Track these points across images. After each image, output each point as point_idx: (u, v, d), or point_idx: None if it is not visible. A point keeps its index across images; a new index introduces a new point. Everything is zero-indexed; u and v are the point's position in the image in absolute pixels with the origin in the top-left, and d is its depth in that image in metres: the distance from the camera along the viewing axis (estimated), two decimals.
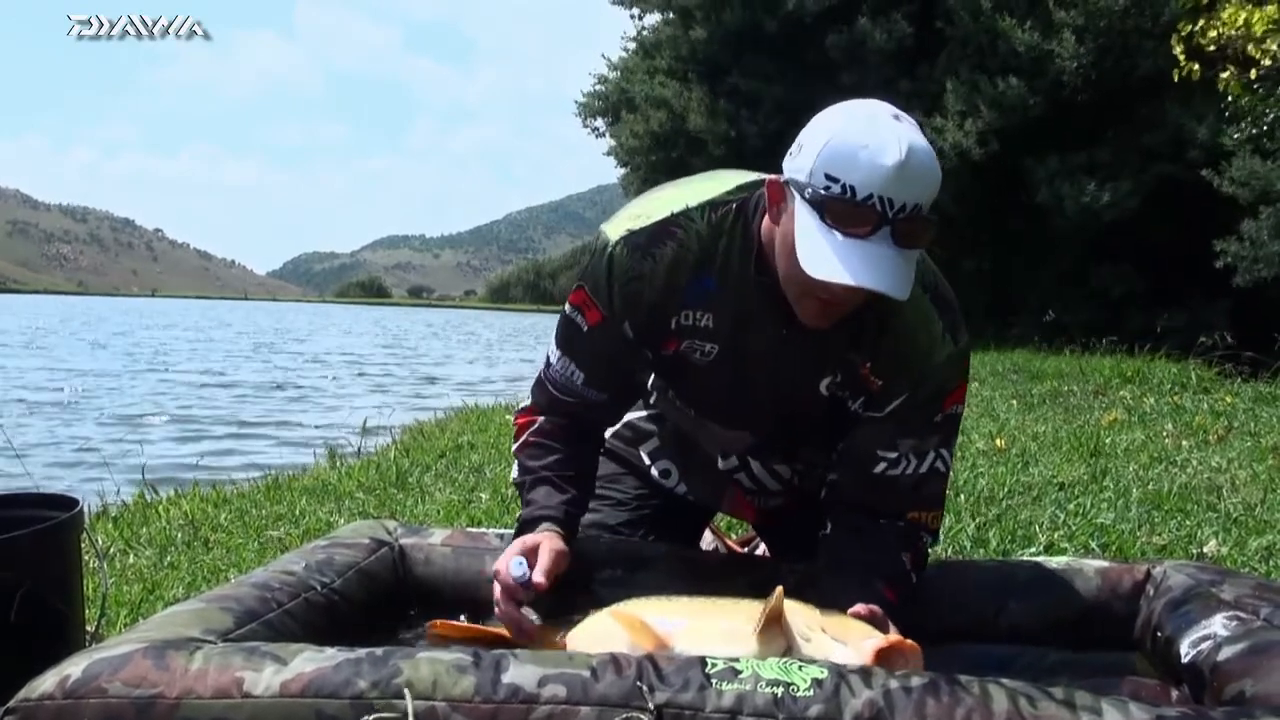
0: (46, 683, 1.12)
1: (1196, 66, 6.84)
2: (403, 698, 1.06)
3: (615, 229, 1.46)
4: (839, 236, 1.23)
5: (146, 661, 1.12)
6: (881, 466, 1.46)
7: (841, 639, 1.22)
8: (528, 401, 1.58)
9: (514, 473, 1.57)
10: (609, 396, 1.56)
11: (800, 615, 1.25)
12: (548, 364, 1.55)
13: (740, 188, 1.46)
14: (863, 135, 1.22)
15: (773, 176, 1.36)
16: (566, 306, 1.52)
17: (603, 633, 1.30)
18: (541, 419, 1.55)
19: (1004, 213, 15.74)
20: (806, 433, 1.58)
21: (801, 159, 1.27)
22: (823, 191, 1.23)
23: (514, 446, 1.57)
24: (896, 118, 1.25)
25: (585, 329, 1.48)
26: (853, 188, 1.22)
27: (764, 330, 1.43)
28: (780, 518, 1.77)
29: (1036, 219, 15.66)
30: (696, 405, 1.62)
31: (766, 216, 1.38)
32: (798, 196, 1.28)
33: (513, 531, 1.52)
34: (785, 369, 1.47)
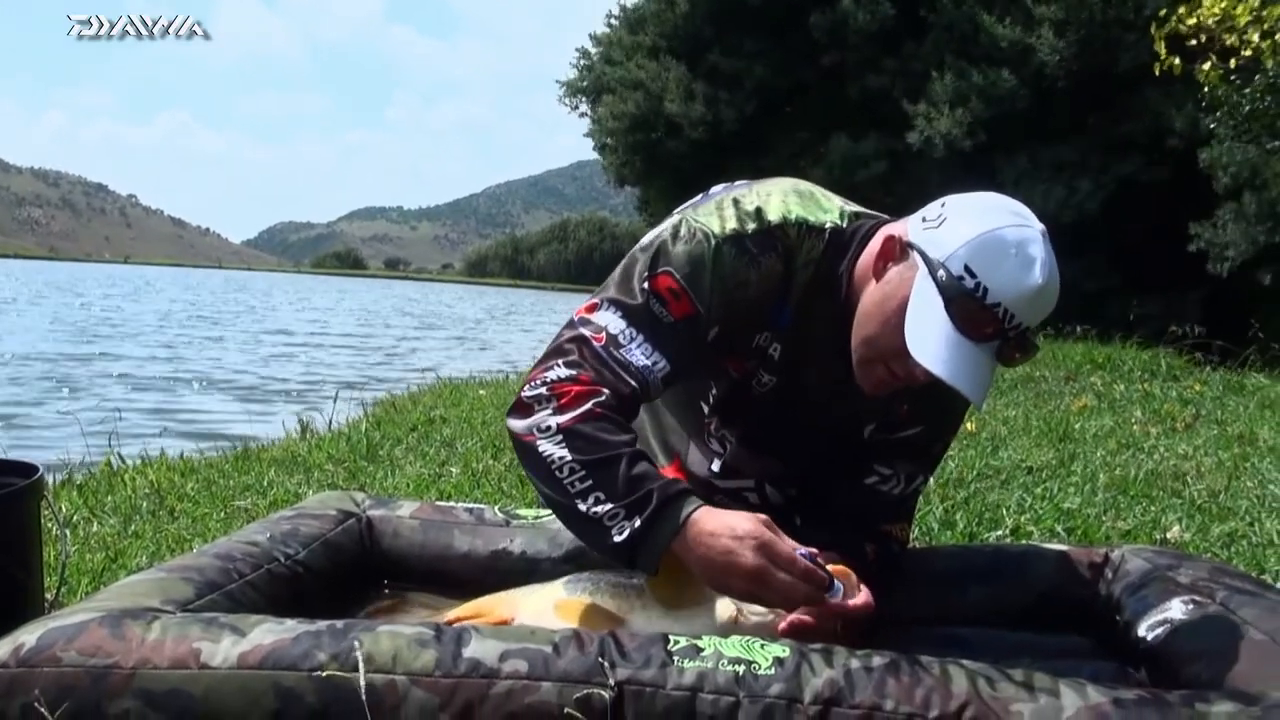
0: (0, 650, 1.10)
1: (1178, 60, 6.85)
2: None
3: (716, 221, 1.33)
4: (954, 331, 1.20)
5: (102, 630, 1.11)
6: (873, 480, 1.49)
7: None
8: (572, 371, 1.29)
9: (561, 450, 1.25)
10: (661, 397, 1.41)
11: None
12: (614, 342, 1.30)
13: (840, 216, 1.37)
14: (1015, 245, 1.19)
15: (891, 231, 1.29)
16: (646, 288, 1.32)
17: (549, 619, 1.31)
18: (606, 393, 1.28)
19: None
20: (831, 467, 1.55)
21: (942, 235, 1.23)
22: (958, 281, 1.20)
23: (567, 416, 1.25)
24: (1044, 234, 1.22)
25: (669, 320, 1.32)
26: (986, 290, 1.19)
27: (826, 372, 1.39)
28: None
29: None
30: (730, 430, 1.54)
31: (860, 261, 1.33)
32: (922, 268, 1.23)
33: (632, 506, 1.22)
34: (836, 414, 1.46)
